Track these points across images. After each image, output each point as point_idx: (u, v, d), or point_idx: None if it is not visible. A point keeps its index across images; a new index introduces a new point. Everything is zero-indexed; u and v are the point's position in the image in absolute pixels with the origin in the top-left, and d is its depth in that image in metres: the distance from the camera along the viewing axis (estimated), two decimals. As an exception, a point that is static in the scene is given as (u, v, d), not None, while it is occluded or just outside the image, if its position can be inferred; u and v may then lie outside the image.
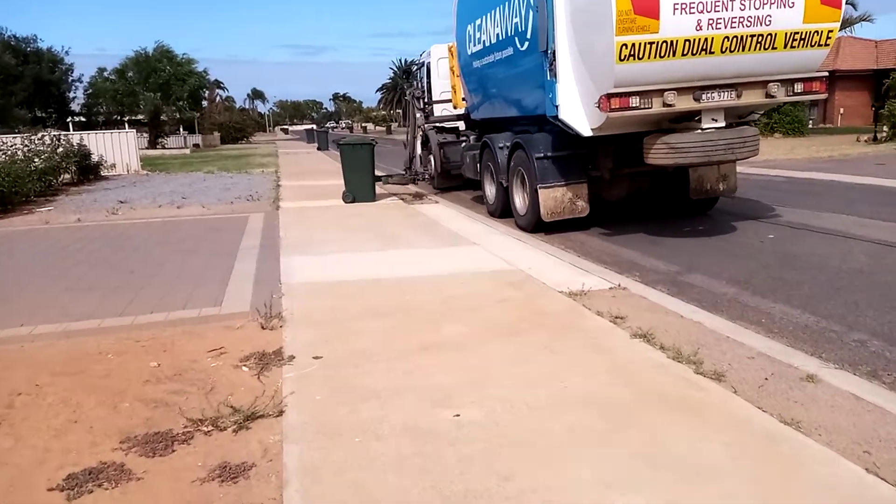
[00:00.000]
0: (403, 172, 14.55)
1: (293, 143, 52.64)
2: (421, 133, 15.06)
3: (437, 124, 14.18)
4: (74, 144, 17.03)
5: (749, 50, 7.09)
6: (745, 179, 13.87)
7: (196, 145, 45.81)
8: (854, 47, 32.62)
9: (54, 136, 15.86)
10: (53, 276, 6.72)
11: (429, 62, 14.85)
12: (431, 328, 4.60)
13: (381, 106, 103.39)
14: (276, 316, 4.88)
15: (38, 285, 6.34)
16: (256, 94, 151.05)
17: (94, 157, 18.46)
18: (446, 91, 13.55)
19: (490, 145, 10.29)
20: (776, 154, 18.52)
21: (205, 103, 66.69)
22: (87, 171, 17.53)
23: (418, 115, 13.78)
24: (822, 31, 7.26)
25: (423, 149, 15.43)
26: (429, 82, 14.82)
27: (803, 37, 7.21)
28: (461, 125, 13.04)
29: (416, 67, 16.57)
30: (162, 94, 36.25)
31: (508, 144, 9.60)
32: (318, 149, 36.75)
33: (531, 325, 4.58)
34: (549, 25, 7.66)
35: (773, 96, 7.51)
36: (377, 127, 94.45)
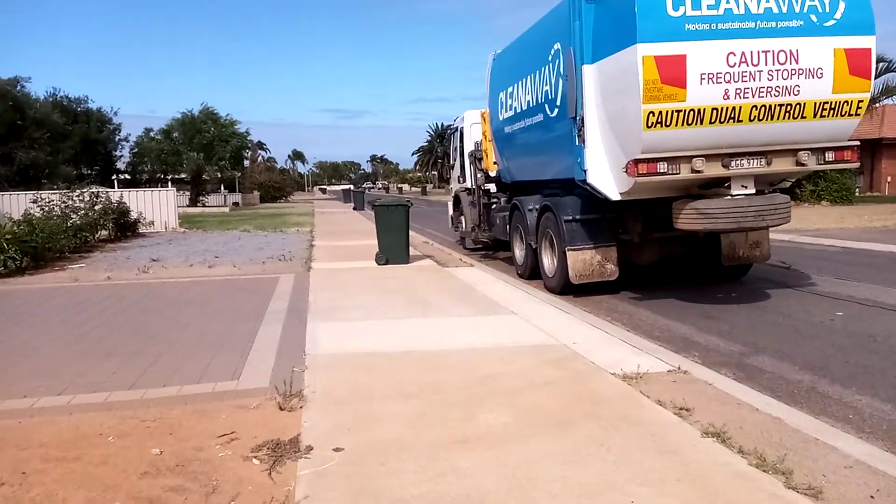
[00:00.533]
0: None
1: (330, 203, 53.37)
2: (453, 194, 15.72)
3: (465, 187, 14.61)
4: (114, 202, 17.21)
5: (778, 119, 7.06)
6: (798, 249, 13.24)
7: (235, 204, 46.65)
8: (899, 117, 31.85)
9: (93, 192, 16.06)
10: (72, 338, 6.41)
11: (462, 127, 15.20)
12: (467, 415, 4.07)
13: (417, 167, 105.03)
14: (297, 395, 4.42)
15: (56, 348, 6.03)
16: (297, 155, 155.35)
17: (133, 214, 18.65)
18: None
19: (519, 207, 10.43)
20: (827, 223, 17.75)
21: (246, 163, 68.68)
22: (125, 227, 17.65)
23: (479, 174, 13.39)
24: (852, 101, 7.22)
25: (453, 210, 15.84)
26: (461, 146, 15.13)
27: (833, 106, 7.17)
28: (492, 187, 13.19)
29: (450, 132, 16.81)
30: (205, 154, 37.22)
31: (538, 207, 9.75)
32: (354, 209, 37.01)
33: (582, 415, 4.02)
34: (578, 93, 7.85)
35: (803, 164, 7.39)
36: (412, 188, 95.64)
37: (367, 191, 67.28)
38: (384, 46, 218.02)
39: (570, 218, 8.58)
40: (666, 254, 9.24)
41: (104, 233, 16.65)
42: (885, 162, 31.43)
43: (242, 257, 13.02)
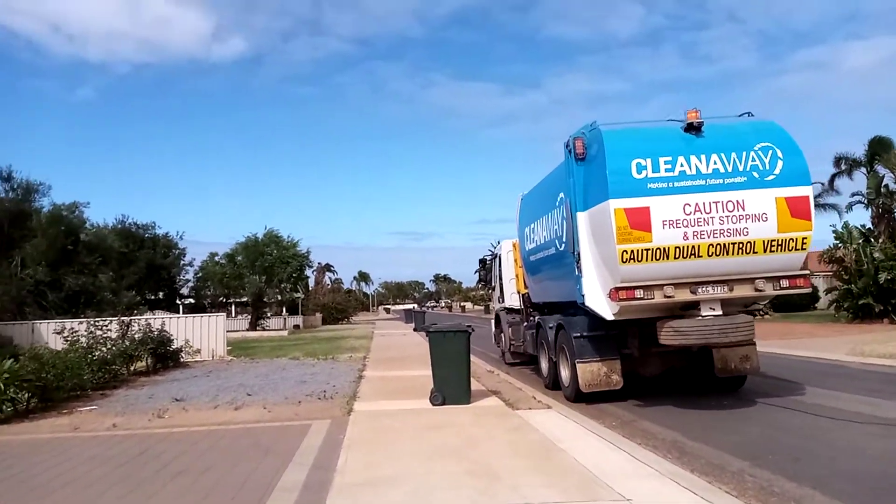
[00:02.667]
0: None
1: (392, 323, 51.94)
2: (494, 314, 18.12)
3: (506, 306, 16.20)
4: (154, 329, 15.99)
5: (732, 254, 8.53)
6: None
7: (297, 326, 45.80)
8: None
9: (123, 321, 14.89)
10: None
11: (500, 254, 17.00)
12: None
13: (481, 286, 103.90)
14: None
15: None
16: (363, 276, 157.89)
17: (177, 343, 17.39)
18: (513, 279, 15.40)
19: (542, 325, 11.91)
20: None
21: (311, 284, 68.99)
22: (165, 357, 16.31)
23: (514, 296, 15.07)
24: (797, 238, 8.63)
25: (495, 327, 17.68)
26: (500, 271, 16.84)
27: (780, 243, 8.58)
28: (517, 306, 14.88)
29: (489, 258, 19.10)
30: (266, 277, 36.83)
31: (554, 325, 10.96)
32: (415, 329, 35.27)
33: None
34: (575, 233, 9.41)
35: (761, 290, 8.74)
36: (475, 305, 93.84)
37: (429, 309, 65.89)
38: (450, 171, 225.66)
39: (579, 335, 9.82)
40: (668, 366, 10.37)
41: (141, 364, 15.31)
42: None
43: (278, 395, 11.21)
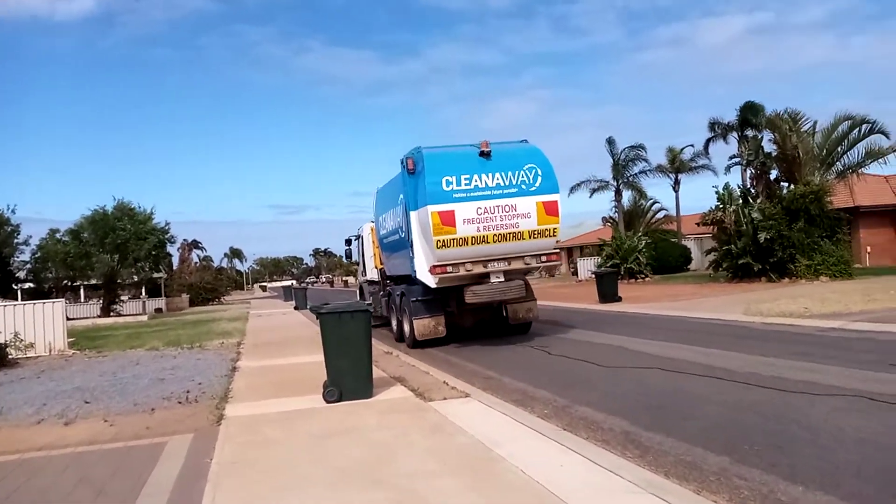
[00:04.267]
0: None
1: (270, 302, 48.83)
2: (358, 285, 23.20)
3: (367, 279, 19.77)
4: (-35, 323, 12.85)
5: (509, 240, 12.18)
6: (866, 339, 10.06)
7: (158, 310, 41.56)
8: (869, 184, 30.58)
9: None
10: None
11: (363, 235, 19.95)
12: None
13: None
14: None
15: None
16: (235, 253, 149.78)
17: (0, 338, 14.23)
18: (372, 256, 18.50)
19: (392, 293, 15.29)
20: (854, 304, 14.75)
21: (176, 263, 63.54)
22: (-16, 356, 13.20)
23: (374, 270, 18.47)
24: (550, 229, 12.43)
25: (359, 297, 21.35)
26: (363, 249, 20.12)
27: (539, 232, 12.35)
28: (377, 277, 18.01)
29: (354, 238, 21.58)
30: (119, 255, 32.57)
31: (399, 292, 14.28)
32: (296, 308, 32.85)
33: None
34: (408, 226, 12.65)
35: (528, 264, 12.62)
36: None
37: (310, 286, 63.01)
38: (323, 140, 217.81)
39: (415, 299, 13.18)
40: (479, 319, 14.13)
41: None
42: (864, 231, 29.84)
43: (126, 400, 8.95)
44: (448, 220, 11.82)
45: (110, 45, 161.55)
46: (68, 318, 34.02)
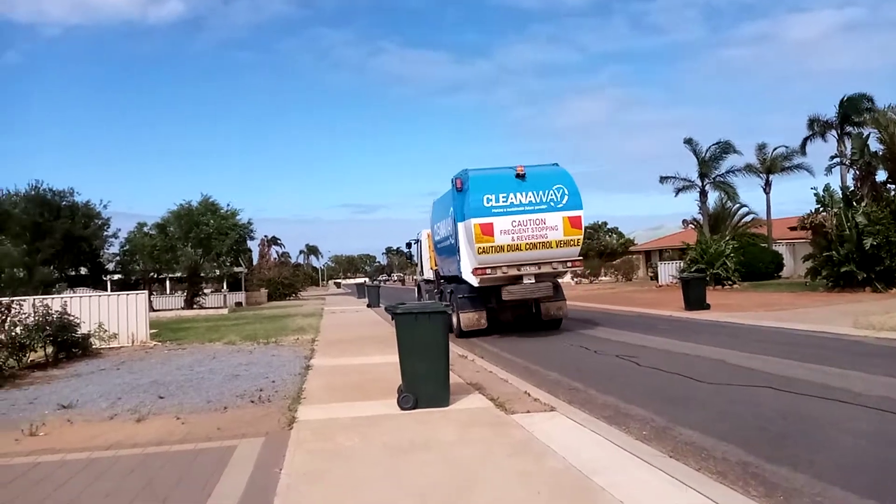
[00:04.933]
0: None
1: (343, 299, 49.34)
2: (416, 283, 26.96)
3: (425, 278, 22.45)
4: (53, 312, 13.16)
5: (539, 248, 14.49)
6: None
7: (238, 303, 42.62)
8: None
9: (2, 303, 11.93)
10: None
11: (421, 239, 22.80)
12: None
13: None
14: None
15: None
16: (311, 250, 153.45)
17: (85, 327, 14.59)
18: (428, 259, 20.93)
19: (443, 291, 17.68)
20: None
21: (256, 259, 65.44)
22: (69, 346, 13.52)
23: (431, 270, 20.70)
24: (574, 239, 14.75)
25: (418, 294, 24.33)
26: (420, 252, 22.96)
27: (565, 242, 14.62)
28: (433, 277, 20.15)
29: (413, 242, 24.69)
30: (203, 249, 33.51)
31: (451, 289, 16.35)
32: (369, 305, 32.87)
33: None
34: (456, 235, 15.05)
35: (556, 269, 14.87)
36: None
37: (382, 283, 63.42)
38: (397, 141, 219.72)
39: (462, 296, 15.50)
40: (517, 315, 16.09)
41: (34, 356, 12.54)
42: None
43: (199, 397, 8.76)
44: (488, 230, 14.23)
45: (198, 48, 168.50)
46: (154, 310, 35.43)
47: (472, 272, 14.58)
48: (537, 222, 14.35)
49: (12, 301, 11.98)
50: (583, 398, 8.14)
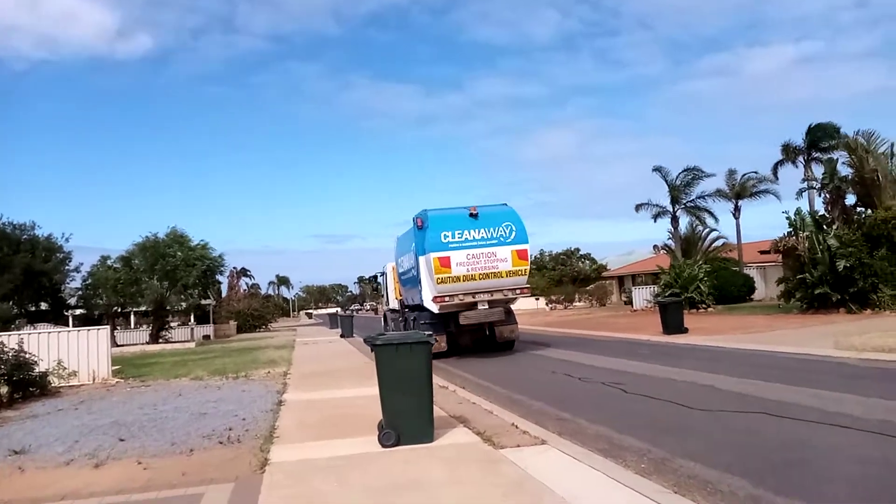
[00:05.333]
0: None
1: (315, 329, 48.39)
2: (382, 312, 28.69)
3: (390, 307, 24.39)
4: (8, 349, 12.39)
5: (491, 278, 16.34)
6: None
7: (206, 337, 41.45)
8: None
9: None
10: None
11: (387, 272, 24.76)
12: None
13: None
14: None
15: None
16: (281, 280, 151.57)
17: (43, 365, 13.80)
18: (393, 289, 22.87)
19: (407, 318, 19.60)
20: None
21: (225, 291, 64.01)
22: (25, 385, 12.71)
23: (395, 301, 22.69)
24: (522, 269, 16.69)
25: (384, 323, 25.96)
26: (386, 284, 24.96)
27: (514, 272, 16.55)
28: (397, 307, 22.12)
29: (380, 274, 27.28)
30: (169, 282, 32.54)
31: (412, 317, 18.61)
32: (342, 336, 32.15)
33: None
34: (418, 267, 16.88)
35: (507, 295, 16.59)
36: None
37: (355, 313, 62.47)
38: (370, 173, 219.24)
39: (424, 322, 17.10)
40: (475, 338, 17.78)
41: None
42: None
43: (163, 438, 8.16)
44: (446, 263, 16.01)
45: (166, 82, 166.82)
46: (118, 345, 34.23)
47: (433, 300, 16.37)
48: (489, 255, 16.25)
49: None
50: (573, 429, 7.75)
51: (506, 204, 17.46)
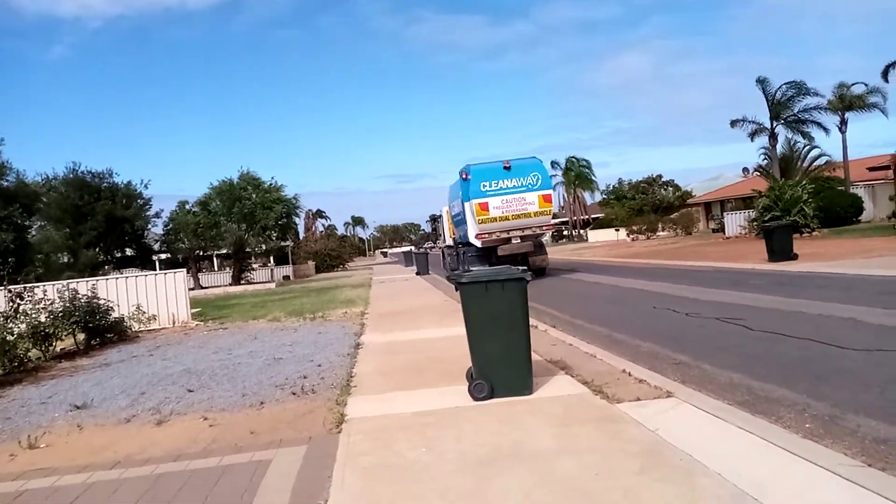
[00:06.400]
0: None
1: (391, 267, 48.31)
2: (439, 248, 34.83)
3: (446, 244, 28.52)
4: (82, 295, 12.14)
5: (521, 218, 20.01)
6: None
7: (286, 277, 41.97)
8: None
9: (13, 291, 10.82)
10: None
11: (442, 215, 28.98)
12: None
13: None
14: None
15: None
16: (356, 221, 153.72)
17: (122, 310, 13.63)
18: (448, 229, 27.33)
19: (458, 252, 23.57)
20: None
21: (302, 232, 64.90)
22: (100, 332, 12.52)
23: (450, 239, 27.02)
24: (547, 210, 20.48)
25: (442, 258, 31.08)
26: (443, 225, 29.18)
27: (540, 213, 20.18)
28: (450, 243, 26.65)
29: (438, 217, 31.70)
30: (247, 225, 32.62)
31: (463, 251, 22.40)
32: (418, 273, 31.58)
33: None
34: (464, 211, 20.81)
35: (534, 231, 20.73)
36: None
37: (429, 250, 62.15)
38: (439, 109, 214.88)
39: (471, 254, 21.31)
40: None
41: (63, 345, 11.57)
42: None
43: (234, 389, 7.48)
44: (485, 207, 19.83)
45: (237, 29, 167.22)
46: (202, 287, 34.96)
47: (476, 237, 20.40)
48: (519, 200, 19.93)
49: (24, 288, 10.93)
50: (698, 376, 6.50)
51: (535, 157, 20.96)
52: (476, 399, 5.91)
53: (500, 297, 5.98)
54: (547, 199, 20.22)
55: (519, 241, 20.22)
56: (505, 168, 19.99)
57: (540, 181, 20.10)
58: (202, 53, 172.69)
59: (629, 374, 6.50)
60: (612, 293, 15.37)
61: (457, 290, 6.21)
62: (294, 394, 6.95)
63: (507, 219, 19.84)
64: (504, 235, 20.14)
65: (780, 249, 18.09)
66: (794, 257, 17.83)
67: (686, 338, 8.60)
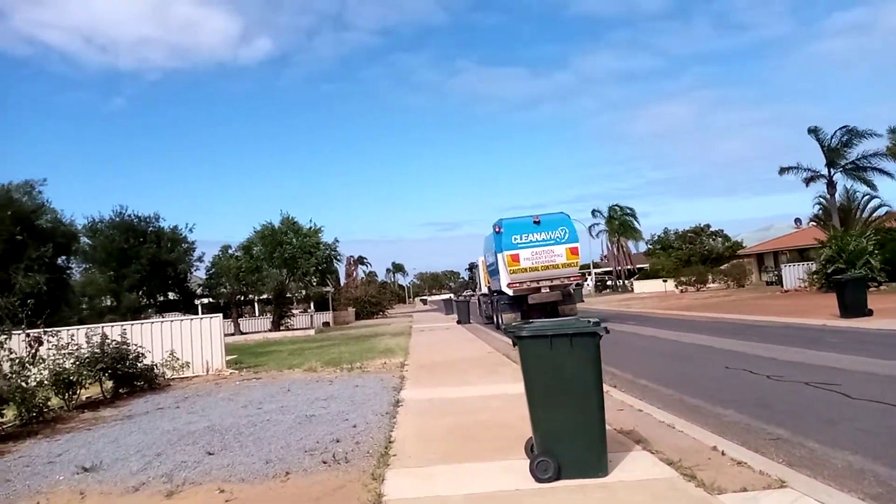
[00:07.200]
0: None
1: (431, 315, 47.38)
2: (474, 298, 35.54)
3: (482, 293, 29.89)
4: (111, 341, 11.58)
5: (550, 269, 21.43)
6: None
7: (326, 323, 41.40)
8: None
9: (31, 336, 10.23)
10: None
11: (478, 264, 30.84)
12: None
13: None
14: None
15: None
16: (397, 268, 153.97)
17: (154, 357, 13.05)
18: (483, 278, 28.81)
19: (492, 300, 25.61)
20: None
21: (343, 279, 64.73)
22: (131, 379, 11.90)
23: (486, 288, 28.10)
24: (573, 262, 21.80)
25: (479, 305, 32.20)
26: (479, 274, 30.90)
27: (568, 264, 21.57)
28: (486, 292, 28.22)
29: (473, 266, 36.16)
30: (288, 269, 32.36)
31: (496, 299, 24.35)
32: (458, 322, 30.59)
33: None
34: (496, 262, 22.30)
35: (562, 282, 21.52)
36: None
37: (468, 299, 61.24)
38: (478, 158, 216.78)
39: (503, 302, 22.59)
40: (541, 315, 20.66)
41: (88, 393, 10.96)
42: None
43: (259, 451, 6.62)
44: (516, 259, 21.24)
45: (284, 84, 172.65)
46: (241, 332, 34.62)
47: (508, 285, 21.65)
48: (548, 252, 21.29)
49: (44, 332, 10.37)
50: (806, 457, 5.40)
51: (562, 212, 22.54)
52: (539, 480, 4.93)
53: (569, 354, 5.05)
54: (574, 251, 21.55)
55: (548, 290, 21.31)
56: (535, 222, 21.53)
57: (567, 235, 21.49)
58: (251, 105, 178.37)
59: (722, 454, 5.43)
60: (673, 349, 14.15)
61: (514, 345, 5.32)
62: (325, 462, 6.06)
63: (536, 269, 21.25)
64: (534, 285, 21.28)
65: (853, 304, 16.65)
66: (869, 313, 16.36)
67: (776, 406, 7.43)
